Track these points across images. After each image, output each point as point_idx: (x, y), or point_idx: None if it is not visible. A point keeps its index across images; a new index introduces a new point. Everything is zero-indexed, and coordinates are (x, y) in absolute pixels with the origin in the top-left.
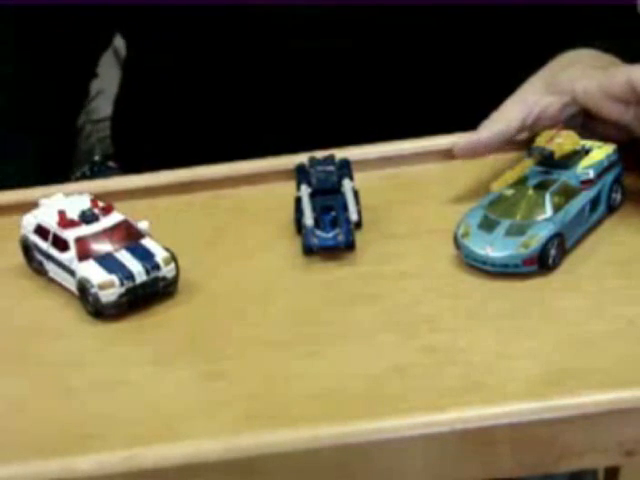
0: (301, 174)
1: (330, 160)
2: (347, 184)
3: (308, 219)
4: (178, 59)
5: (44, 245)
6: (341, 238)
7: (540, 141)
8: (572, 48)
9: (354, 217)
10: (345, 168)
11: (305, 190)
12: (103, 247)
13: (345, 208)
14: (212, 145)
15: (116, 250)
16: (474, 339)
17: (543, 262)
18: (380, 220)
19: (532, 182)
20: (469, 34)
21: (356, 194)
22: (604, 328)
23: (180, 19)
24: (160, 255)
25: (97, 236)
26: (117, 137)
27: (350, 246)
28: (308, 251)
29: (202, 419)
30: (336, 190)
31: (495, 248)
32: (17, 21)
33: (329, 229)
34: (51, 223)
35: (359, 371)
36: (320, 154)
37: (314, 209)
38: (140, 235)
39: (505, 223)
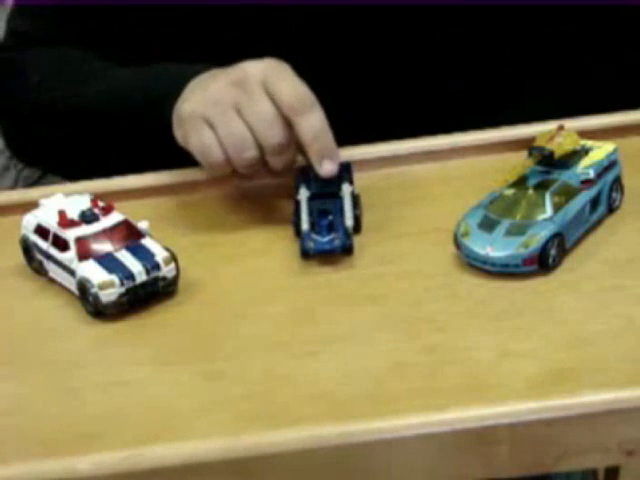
0: (301, 177)
1: None
2: (346, 188)
3: (305, 223)
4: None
5: (44, 245)
6: (337, 242)
7: (540, 141)
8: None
9: (349, 223)
10: (345, 172)
11: (304, 194)
12: (103, 247)
13: (342, 212)
14: None
15: (116, 250)
16: (474, 339)
17: (543, 262)
18: (380, 220)
19: (532, 182)
20: (469, 35)
21: (356, 198)
22: (604, 328)
23: (178, 19)
24: (160, 255)
25: (97, 236)
26: None
27: (346, 251)
28: (305, 255)
29: (202, 419)
30: (335, 194)
31: (495, 248)
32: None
33: (325, 233)
34: (51, 223)
35: (359, 371)
36: None
37: (311, 213)
38: (140, 235)
39: (505, 223)
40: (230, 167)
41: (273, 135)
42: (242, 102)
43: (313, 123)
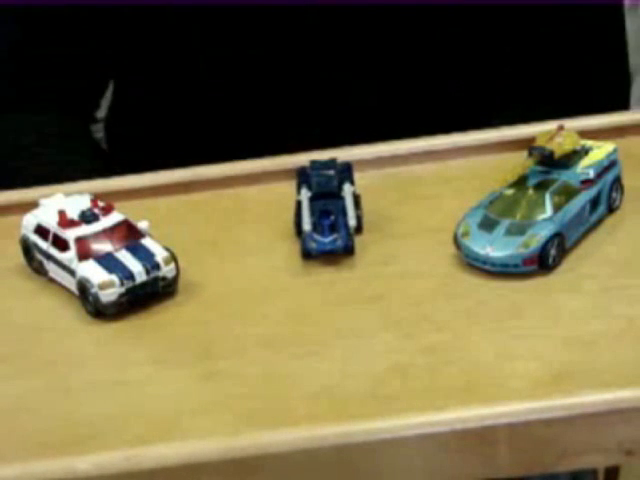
0: (302, 177)
1: (331, 164)
2: (347, 188)
3: (306, 224)
4: (175, 63)
5: (44, 245)
6: (339, 243)
7: (540, 141)
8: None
9: (352, 223)
10: (346, 172)
11: (305, 194)
12: (103, 247)
13: (344, 212)
14: (211, 146)
15: (116, 250)
16: (474, 339)
17: (543, 262)
18: (380, 220)
19: (532, 182)
20: (469, 35)
21: (357, 198)
22: (604, 328)
23: (176, 21)
24: (160, 255)
25: (97, 236)
26: (112, 139)
27: (349, 251)
28: (307, 256)
29: (202, 419)
30: (336, 194)
31: (495, 248)
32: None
33: (327, 233)
34: (51, 223)
35: (359, 371)
36: (321, 156)
37: (313, 213)
38: (140, 235)
39: (505, 223)
40: None
41: None
42: None
43: None
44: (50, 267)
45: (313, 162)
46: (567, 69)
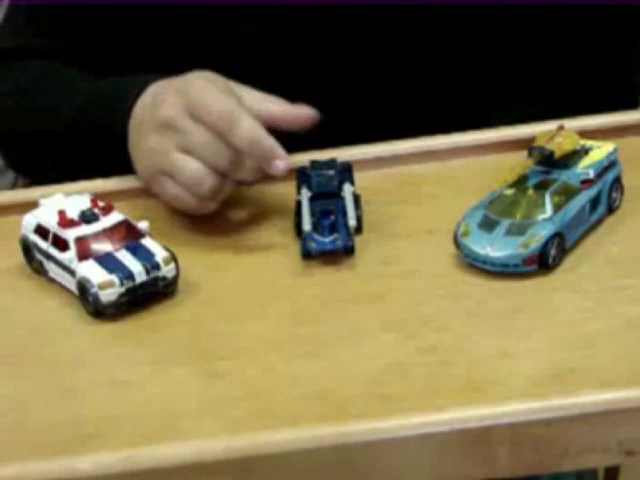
0: (302, 177)
1: (331, 164)
2: (347, 189)
3: (306, 224)
4: (175, 63)
5: (44, 245)
6: (339, 243)
7: (540, 141)
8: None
9: (352, 223)
10: (346, 172)
11: (305, 194)
12: (103, 247)
13: (344, 212)
14: None
15: (116, 250)
16: (474, 339)
17: (543, 262)
18: (380, 220)
19: (532, 182)
20: (467, 35)
21: (357, 198)
22: (604, 328)
23: (177, 20)
24: (160, 255)
25: (97, 236)
26: None
27: (349, 251)
28: (307, 256)
29: (202, 419)
30: (336, 194)
31: (495, 248)
32: None
33: (327, 233)
34: (51, 223)
35: (359, 371)
36: (321, 157)
37: (313, 213)
38: (140, 235)
39: (505, 223)
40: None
41: (221, 157)
42: (181, 142)
43: (241, 135)
44: (50, 267)
45: (313, 162)
46: (576, 68)
